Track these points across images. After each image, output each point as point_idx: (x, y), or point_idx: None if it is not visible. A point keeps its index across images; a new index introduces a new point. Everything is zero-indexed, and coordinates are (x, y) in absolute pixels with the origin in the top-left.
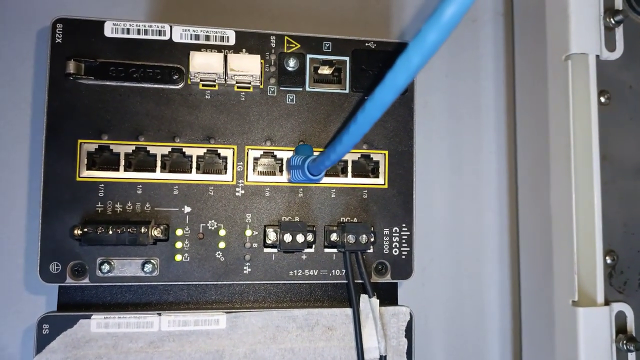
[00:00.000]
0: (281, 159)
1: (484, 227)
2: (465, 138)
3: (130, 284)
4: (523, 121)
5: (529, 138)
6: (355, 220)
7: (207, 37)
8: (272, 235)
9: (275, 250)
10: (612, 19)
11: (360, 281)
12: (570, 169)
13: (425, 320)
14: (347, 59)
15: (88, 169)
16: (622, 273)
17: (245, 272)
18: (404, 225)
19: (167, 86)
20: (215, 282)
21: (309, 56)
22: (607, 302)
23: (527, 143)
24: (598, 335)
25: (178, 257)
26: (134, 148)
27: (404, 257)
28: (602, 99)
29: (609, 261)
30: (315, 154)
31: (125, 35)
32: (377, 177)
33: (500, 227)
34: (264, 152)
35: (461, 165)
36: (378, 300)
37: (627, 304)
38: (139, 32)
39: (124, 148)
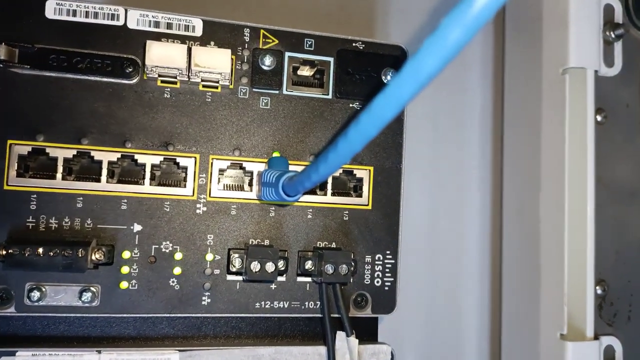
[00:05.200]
0: (251, 172)
1: (463, 249)
2: (447, 152)
3: (65, 315)
4: (511, 137)
5: (517, 155)
6: (333, 245)
7: (169, 25)
8: (237, 262)
9: (240, 277)
10: (612, 33)
11: (337, 316)
12: (563, 191)
13: (400, 347)
14: (331, 59)
15: (19, 175)
16: (612, 304)
17: (203, 303)
18: (388, 252)
19: (118, 80)
20: (168, 315)
21: (287, 54)
22: (596, 336)
23: (514, 160)
24: None
25: (124, 284)
26: (75, 152)
27: (387, 288)
28: (599, 118)
29: (599, 291)
30: (291, 168)
31: (71, 18)
32: (360, 196)
33: (481, 251)
34: (231, 163)
35: (441, 181)
36: (357, 340)
37: (616, 337)
38: (87, 14)
39: (63, 152)
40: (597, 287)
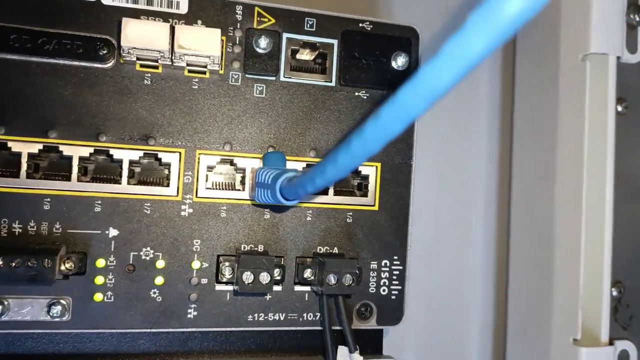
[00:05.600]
0: (243, 169)
1: (468, 251)
2: (452, 145)
3: (32, 330)
4: (523, 128)
5: (530, 148)
6: (335, 250)
7: (149, 1)
8: (227, 271)
9: (230, 287)
10: (636, 16)
11: (339, 328)
12: (581, 186)
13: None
14: (335, 42)
15: None
16: (628, 307)
17: (189, 316)
18: (395, 257)
19: (90, 64)
20: (149, 330)
21: (285, 35)
22: (610, 341)
23: (526, 154)
24: None
25: (98, 297)
26: (41, 147)
27: (394, 297)
28: (619, 108)
29: (614, 293)
30: (289, 164)
31: None
32: (365, 196)
33: (485, 248)
34: (220, 159)
35: (446, 175)
36: (362, 357)
37: (631, 341)
38: None
39: (27, 147)
40: (613, 289)
